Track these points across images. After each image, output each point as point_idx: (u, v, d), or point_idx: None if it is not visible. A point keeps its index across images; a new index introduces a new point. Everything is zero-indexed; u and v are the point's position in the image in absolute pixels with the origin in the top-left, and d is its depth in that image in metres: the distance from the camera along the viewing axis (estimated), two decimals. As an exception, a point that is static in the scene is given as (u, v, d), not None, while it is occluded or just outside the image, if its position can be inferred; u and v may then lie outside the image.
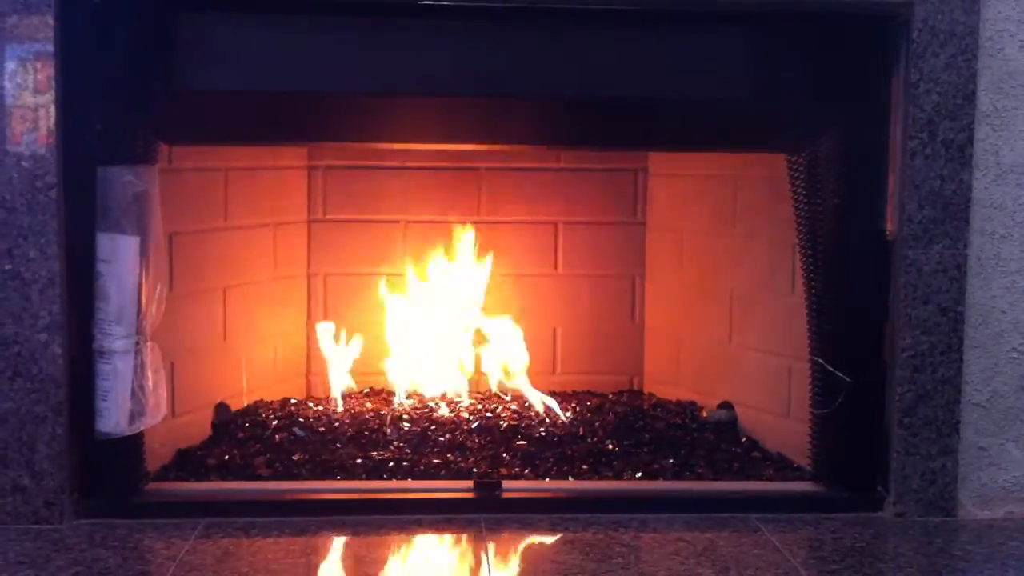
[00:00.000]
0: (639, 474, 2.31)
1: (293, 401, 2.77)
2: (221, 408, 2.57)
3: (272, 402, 2.73)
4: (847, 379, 2.18)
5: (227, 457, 2.36)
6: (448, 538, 2.09)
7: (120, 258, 2.10)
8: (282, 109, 2.19)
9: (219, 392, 2.58)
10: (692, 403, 2.75)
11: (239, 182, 2.60)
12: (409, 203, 2.85)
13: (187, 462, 2.35)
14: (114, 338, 2.10)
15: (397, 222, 2.87)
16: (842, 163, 2.20)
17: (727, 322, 2.64)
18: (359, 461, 2.32)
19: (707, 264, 2.72)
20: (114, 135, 2.07)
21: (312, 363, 2.87)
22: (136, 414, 2.12)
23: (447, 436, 2.45)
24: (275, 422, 2.55)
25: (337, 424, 2.53)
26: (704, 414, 2.66)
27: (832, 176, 2.21)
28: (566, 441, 2.45)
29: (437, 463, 2.32)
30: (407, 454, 2.36)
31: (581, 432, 2.50)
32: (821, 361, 2.20)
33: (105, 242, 2.09)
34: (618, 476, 2.30)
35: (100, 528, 2.06)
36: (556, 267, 2.92)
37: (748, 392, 2.58)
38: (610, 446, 2.43)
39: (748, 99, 2.21)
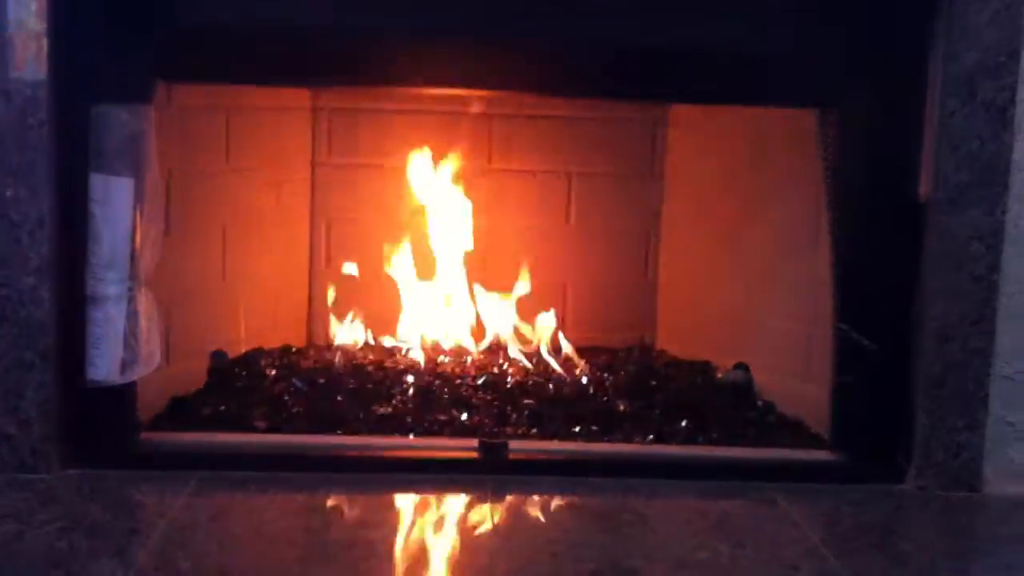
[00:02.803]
0: (651, 437, 2.22)
1: (293, 349, 2.68)
2: (218, 355, 2.47)
3: (271, 350, 2.64)
4: (872, 346, 2.09)
5: (223, 408, 2.27)
6: (452, 501, 2.00)
7: (114, 200, 1.99)
8: (289, 45, 2.07)
9: (216, 338, 2.49)
10: (706, 363, 2.65)
11: (241, 122, 2.48)
12: (416, 147, 2.72)
13: (181, 411, 2.26)
14: (106, 283, 2.00)
15: (402, 167, 2.76)
16: (874, 121, 2.09)
17: (745, 282, 2.54)
18: (360, 416, 2.24)
19: (726, 221, 2.61)
20: (109, 71, 1.96)
21: (314, 310, 2.78)
22: (128, 363, 2.03)
23: (452, 392, 2.36)
24: (273, 372, 2.46)
25: (338, 376, 2.44)
26: (719, 375, 2.56)
27: (863, 134, 2.10)
28: (576, 400, 2.36)
29: (442, 420, 2.24)
30: (410, 410, 2.27)
31: (591, 391, 2.41)
32: (845, 327, 2.11)
33: (98, 183, 1.98)
34: (629, 439, 2.21)
35: (89, 479, 1.98)
36: (568, 219, 2.82)
37: (765, 354, 2.49)
38: (621, 407, 2.34)
39: (776, 50, 2.09)
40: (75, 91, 1.95)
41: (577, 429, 2.23)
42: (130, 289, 2.02)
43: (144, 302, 2.05)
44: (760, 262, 2.51)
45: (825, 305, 2.20)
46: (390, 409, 2.27)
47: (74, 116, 1.96)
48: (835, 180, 2.15)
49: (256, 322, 2.61)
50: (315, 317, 2.78)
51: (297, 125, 2.73)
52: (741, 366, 2.53)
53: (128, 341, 2.03)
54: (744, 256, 2.54)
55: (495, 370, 2.52)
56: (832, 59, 2.10)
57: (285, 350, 2.66)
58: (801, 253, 2.35)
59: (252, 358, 2.55)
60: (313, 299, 2.78)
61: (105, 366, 2.01)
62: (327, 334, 2.72)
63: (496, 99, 2.69)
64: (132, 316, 2.03)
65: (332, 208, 2.78)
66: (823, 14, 2.07)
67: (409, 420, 2.23)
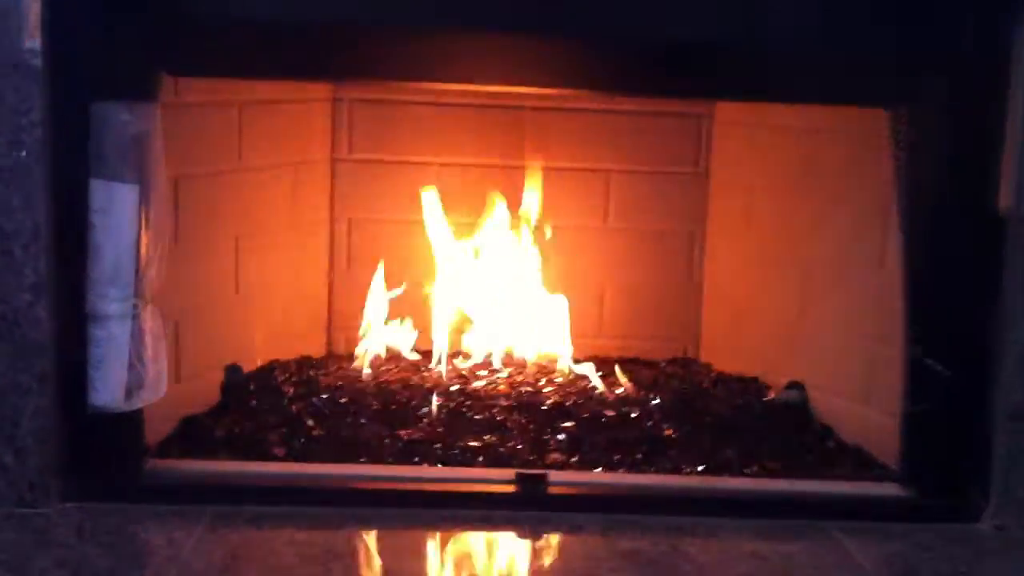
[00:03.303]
0: (701, 467, 2.05)
1: (312, 361, 2.51)
2: (232, 370, 2.29)
3: (289, 362, 2.47)
4: (946, 371, 1.91)
5: (237, 430, 2.10)
6: (486, 541, 1.83)
7: (116, 209, 1.81)
8: (309, 35, 1.87)
9: (229, 352, 2.31)
10: (755, 380, 2.47)
11: (255, 118, 2.29)
12: (444, 143, 2.55)
13: (192, 434, 2.09)
14: (109, 300, 1.82)
15: (430, 164, 2.58)
16: (950, 125, 1.90)
17: (801, 293, 2.35)
18: (386, 441, 2.06)
19: (780, 226, 2.42)
20: (110, 67, 1.77)
21: (333, 318, 2.61)
22: (134, 387, 1.85)
23: (484, 414, 2.18)
24: (291, 389, 2.29)
25: (361, 394, 2.27)
26: (772, 395, 2.38)
27: (938, 139, 1.91)
28: (617, 424, 2.18)
29: (474, 446, 2.06)
30: (439, 434, 2.10)
31: (634, 413, 2.23)
32: (917, 351, 1.92)
33: (99, 190, 1.80)
34: (677, 468, 2.04)
35: (91, 516, 1.80)
36: (606, 220, 2.63)
37: (822, 373, 2.30)
38: (667, 431, 2.16)
39: (845, 45, 1.89)
40: (72, 89, 1.77)
41: (619, 457, 2.05)
42: (135, 306, 1.84)
43: (150, 321, 1.87)
44: (819, 273, 2.32)
45: (891, 324, 2.01)
46: (417, 434, 2.10)
47: (72, 115, 1.77)
48: (907, 188, 1.95)
49: (272, 332, 2.44)
50: (335, 325, 2.61)
51: (315, 119, 2.55)
52: (795, 385, 2.35)
53: (133, 363, 1.85)
54: (801, 265, 2.35)
55: (530, 388, 2.34)
56: (906, 55, 1.91)
57: (303, 362, 2.49)
58: (866, 266, 2.16)
59: (268, 372, 2.38)
60: (333, 306, 2.60)
61: (108, 390, 1.83)
62: (348, 342, 2.54)
63: (530, 91, 2.49)
64: (137, 336, 1.85)
65: (354, 208, 2.60)
66: (898, 7, 1.87)
67: (438, 447, 2.05)
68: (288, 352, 2.50)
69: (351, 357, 2.49)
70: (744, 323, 2.53)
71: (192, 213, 2.11)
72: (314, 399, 2.22)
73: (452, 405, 2.21)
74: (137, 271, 1.83)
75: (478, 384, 2.32)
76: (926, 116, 1.91)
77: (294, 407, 2.19)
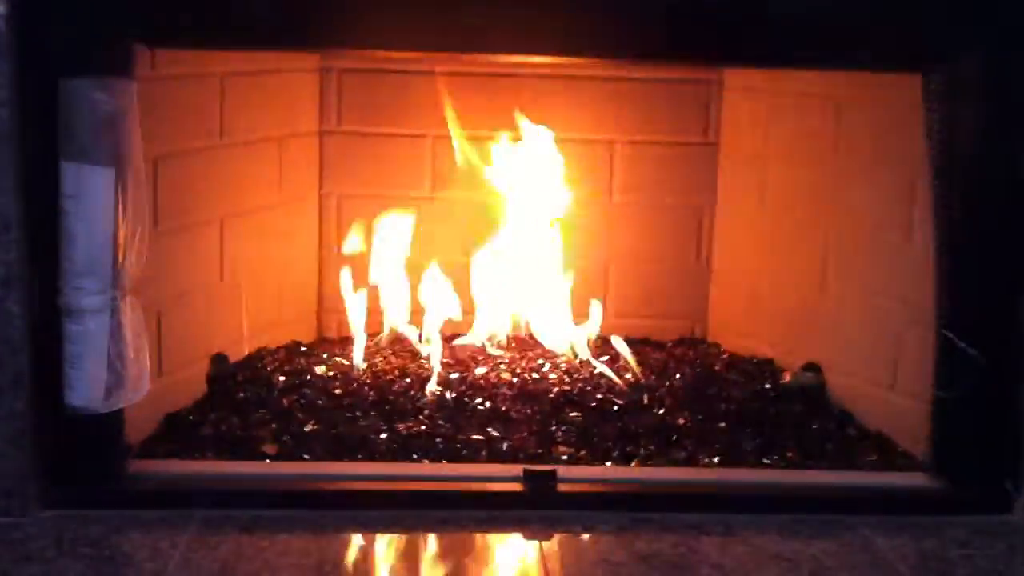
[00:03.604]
0: (717, 459, 1.93)
1: (303, 348, 2.38)
2: (218, 360, 2.17)
3: (278, 350, 2.35)
4: (979, 356, 1.79)
5: (225, 426, 1.97)
6: (493, 544, 1.72)
7: (90, 194, 1.67)
8: (290, 6, 1.73)
9: (215, 341, 2.19)
10: (770, 363, 2.35)
11: (237, 90, 2.15)
12: (439, 114, 2.40)
13: (178, 431, 1.97)
14: (84, 293, 1.68)
15: (424, 136, 2.44)
16: (988, 91, 1.76)
17: (820, 270, 2.23)
18: (383, 436, 1.94)
19: (797, 199, 2.29)
20: (81, 39, 1.64)
21: (324, 300, 2.48)
22: (113, 386, 1.72)
23: (486, 404, 2.07)
24: (282, 378, 2.16)
25: (356, 384, 2.14)
26: (787, 378, 2.26)
27: (973, 107, 1.77)
28: (628, 412, 2.06)
29: (477, 440, 1.94)
30: (440, 428, 1.98)
31: (645, 400, 2.11)
32: (949, 334, 1.80)
33: (71, 174, 1.65)
34: (693, 460, 1.93)
35: (72, 524, 1.68)
36: (610, 194, 2.50)
37: (841, 355, 2.18)
38: (680, 420, 2.05)
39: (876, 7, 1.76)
40: (39, 64, 1.62)
41: (631, 449, 1.94)
42: (113, 299, 1.70)
43: (130, 314, 1.74)
44: (840, 249, 2.19)
45: (919, 304, 1.90)
46: (416, 427, 1.97)
47: (40, 94, 1.63)
48: (939, 159, 1.81)
49: (260, 317, 2.31)
50: (325, 308, 2.48)
51: (302, 90, 2.41)
52: (812, 367, 2.23)
53: (112, 361, 1.72)
54: (820, 241, 2.23)
55: (534, 374, 2.22)
56: (940, 16, 1.77)
57: (293, 349, 2.36)
58: (892, 241, 2.04)
59: (256, 361, 2.25)
60: (324, 288, 2.47)
61: (86, 390, 1.70)
62: (339, 328, 2.42)
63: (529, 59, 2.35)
64: (116, 331, 1.71)
65: (343, 184, 2.47)
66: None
67: (439, 442, 1.93)
68: (277, 338, 2.38)
69: (343, 342, 2.36)
70: (757, 302, 2.41)
71: (172, 194, 1.98)
72: (306, 391, 2.10)
73: (452, 395, 2.09)
74: (114, 261, 1.70)
75: (480, 371, 2.20)
76: (962, 82, 1.78)
77: (284, 400, 2.07)
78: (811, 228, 2.25)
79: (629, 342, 2.40)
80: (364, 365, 2.23)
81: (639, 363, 2.27)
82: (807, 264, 2.26)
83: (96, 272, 1.69)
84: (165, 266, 1.93)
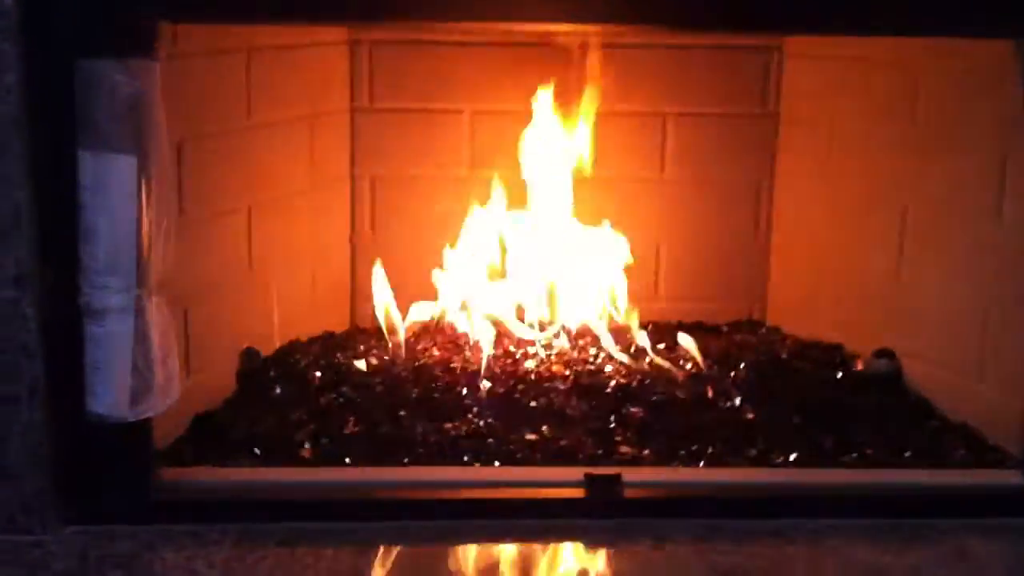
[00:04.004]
0: (793, 456, 1.79)
1: (336, 339, 2.24)
2: (248, 356, 2.02)
3: (311, 342, 2.20)
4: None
5: (259, 428, 1.83)
6: (553, 557, 1.58)
7: (111, 185, 1.52)
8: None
9: (245, 335, 2.04)
10: (838, 348, 2.20)
11: (264, 66, 2.00)
12: (478, 87, 2.26)
13: (207, 434, 1.83)
14: (107, 292, 1.54)
15: (460, 112, 2.29)
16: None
17: (895, 249, 2.06)
18: (430, 438, 1.79)
19: (869, 173, 2.12)
20: (99, 16, 1.48)
21: (358, 287, 2.33)
22: (140, 393, 1.57)
23: (539, 399, 1.92)
24: (318, 374, 2.02)
25: (398, 380, 1.99)
26: (860, 365, 2.11)
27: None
28: (691, 407, 1.92)
29: (531, 440, 1.80)
30: (490, 427, 1.83)
31: (710, 394, 1.97)
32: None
33: (89, 164, 1.51)
34: (765, 458, 1.78)
35: (96, 543, 1.55)
36: (663, 169, 2.34)
37: (920, 341, 2.02)
38: (749, 414, 1.90)
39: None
40: (54, 44, 1.48)
41: (697, 448, 1.79)
42: (138, 298, 1.55)
43: (157, 314, 1.59)
44: (919, 225, 2.03)
45: (1010, 284, 1.76)
46: (465, 427, 1.83)
47: (55, 76, 1.48)
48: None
49: (291, 308, 2.16)
50: (358, 296, 2.33)
51: (332, 64, 2.26)
52: (885, 353, 2.08)
53: (138, 365, 1.58)
54: (895, 217, 2.06)
55: (588, 366, 2.06)
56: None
57: (327, 341, 2.22)
58: (978, 217, 1.88)
59: (289, 356, 2.11)
60: (357, 275, 2.32)
61: (110, 396, 1.56)
62: (374, 317, 2.27)
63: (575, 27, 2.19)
64: (142, 333, 1.57)
65: (377, 164, 2.31)
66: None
67: (491, 442, 1.79)
68: (309, 329, 2.23)
69: (379, 332, 2.21)
70: (822, 283, 2.25)
71: (197, 179, 1.83)
72: (344, 388, 1.95)
73: (502, 390, 1.94)
74: (139, 256, 1.55)
75: (530, 364, 2.05)
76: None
77: (322, 398, 1.92)
78: (884, 203, 2.08)
79: (682, 327, 2.26)
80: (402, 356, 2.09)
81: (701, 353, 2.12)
82: (880, 242, 2.10)
83: (119, 270, 1.54)
84: (190, 257, 1.78)
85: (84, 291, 1.54)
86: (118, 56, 1.50)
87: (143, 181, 1.54)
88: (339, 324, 2.32)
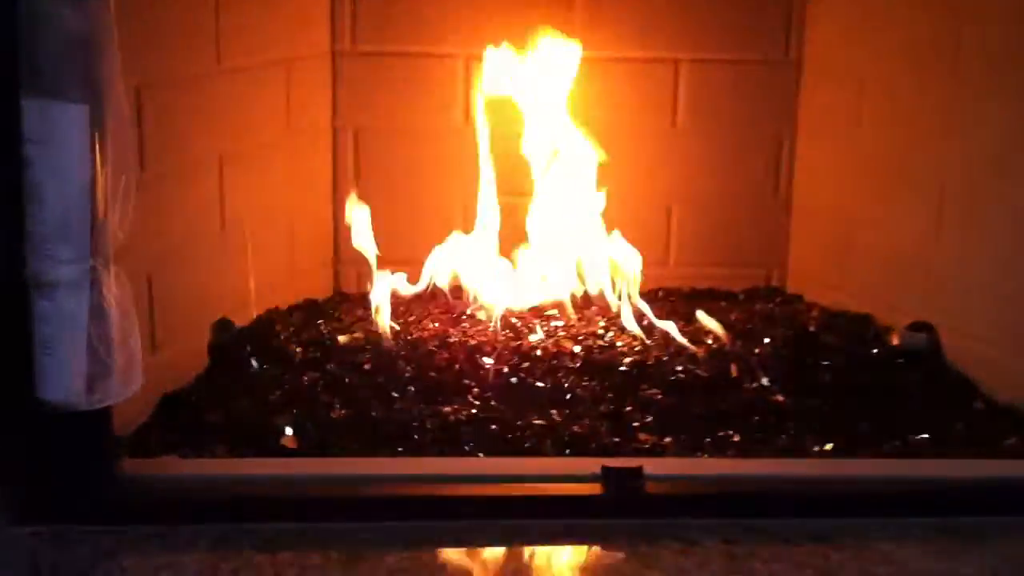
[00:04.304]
0: (830, 445, 1.61)
1: (319, 308, 2.05)
2: (221, 328, 1.82)
3: (291, 311, 2.01)
4: None
5: (234, 412, 1.63)
6: (568, 563, 1.40)
7: (60, 138, 1.30)
8: None
9: (217, 304, 1.84)
10: (866, 319, 2.02)
11: (235, 4, 1.78)
12: (474, 29, 2.04)
13: (177, 417, 1.63)
14: (57, 263, 1.33)
15: (456, 56, 2.08)
16: None
17: (935, 211, 1.88)
18: (426, 424, 1.61)
19: (903, 127, 1.94)
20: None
21: (341, 249, 2.13)
22: (97, 378, 1.36)
23: (547, 379, 1.74)
24: (299, 349, 1.82)
25: (389, 356, 1.79)
26: (896, 339, 1.93)
27: None
28: (714, 388, 1.74)
29: (539, 425, 1.61)
30: (493, 410, 1.65)
31: (734, 372, 1.79)
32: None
33: (34, 113, 1.29)
34: (799, 446, 1.60)
35: (50, 547, 1.35)
36: (674, 121, 2.14)
37: (961, 314, 1.85)
38: (778, 395, 1.72)
39: None
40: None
41: (723, 434, 1.61)
42: (93, 270, 1.35)
43: (115, 288, 1.38)
44: (961, 185, 1.85)
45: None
46: (465, 410, 1.64)
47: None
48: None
49: (268, 272, 1.96)
50: (343, 258, 2.13)
51: (311, 2, 2.03)
52: (921, 326, 1.90)
53: (94, 345, 1.37)
54: (932, 176, 1.89)
55: (598, 341, 1.88)
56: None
57: (309, 310, 2.03)
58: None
59: (267, 327, 1.91)
60: (340, 234, 2.11)
61: (63, 382, 1.35)
62: (359, 280, 2.08)
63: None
64: (98, 308, 1.36)
65: (360, 113, 2.11)
66: None
67: (494, 428, 1.60)
68: (288, 296, 2.04)
69: (364, 299, 2.02)
70: (849, 247, 2.08)
71: (160, 131, 1.62)
72: (329, 366, 1.75)
73: (505, 369, 1.75)
74: (93, 221, 1.34)
75: (534, 338, 1.86)
76: None
77: (305, 377, 1.73)
78: (922, 160, 1.91)
79: (694, 294, 2.08)
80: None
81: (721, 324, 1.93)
82: (916, 203, 1.92)
83: (71, 236, 1.33)
84: (154, 218, 1.58)
85: (30, 261, 1.33)
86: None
87: (96, 133, 1.33)
88: (321, 290, 2.13)
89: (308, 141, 2.06)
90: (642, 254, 2.03)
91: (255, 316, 1.93)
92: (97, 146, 1.32)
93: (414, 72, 2.08)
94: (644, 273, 2.01)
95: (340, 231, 2.11)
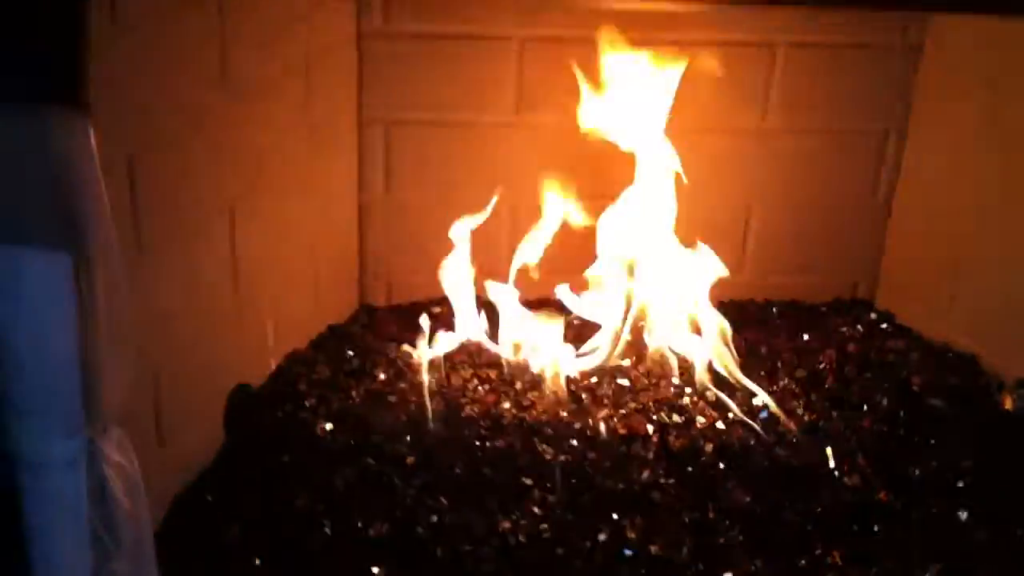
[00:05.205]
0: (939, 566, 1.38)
1: (347, 344, 1.77)
2: (240, 393, 1.56)
3: (315, 351, 1.74)
4: None
5: (255, 521, 1.39)
6: None
7: (34, 292, 1.02)
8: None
9: (232, 368, 1.56)
10: (972, 361, 1.77)
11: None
12: (527, 7, 1.69)
13: (193, 524, 1.39)
14: (44, 438, 1.07)
15: (508, 39, 1.73)
16: None
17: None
18: (483, 546, 1.37)
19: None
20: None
21: (367, 258, 1.85)
22: (101, 564, 1.14)
23: (618, 475, 1.49)
24: (328, 427, 1.55)
25: (433, 438, 1.55)
26: (1008, 403, 1.66)
27: None
28: (802, 477, 1.50)
29: (604, 543, 1.38)
30: (558, 521, 1.40)
31: (831, 463, 1.54)
32: None
33: (-1, 263, 1.02)
34: (906, 565, 1.39)
35: None
36: (764, 116, 1.82)
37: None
38: (882, 493, 1.50)
39: None
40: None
41: (819, 552, 1.38)
42: (91, 441, 1.10)
43: (117, 453, 1.13)
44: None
45: None
46: (525, 523, 1.40)
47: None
48: None
49: (288, 310, 1.68)
50: (367, 268, 1.85)
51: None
52: (1032, 383, 1.66)
53: (96, 528, 1.14)
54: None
55: (674, 415, 1.62)
56: None
57: (333, 352, 1.75)
58: None
59: (288, 382, 1.65)
60: (366, 243, 1.83)
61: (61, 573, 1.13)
62: (388, 293, 1.81)
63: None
64: (99, 487, 1.12)
65: (390, 105, 1.77)
66: None
67: (559, 551, 1.37)
68: (310, 317, 1.77)
69: (394, 317, 1.75)
70: (952, 265, 1.80)
71: (158, 196, 1.30)
72: (368, 460, 1.49)
73: (568, 459, 1.51)
74: (87, 388, 1.08)
75: (601, 414, 1.61)
76: None
77: (338, 477, 1.46)
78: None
79: (774, 304, 1.82)
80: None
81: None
82: None
83: (57, 406, 1.07)
84: (153, 296, 1.30)
85: (12, 435, 1.07)
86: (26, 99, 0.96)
87: (83, 281, 1.05)
88: (346, 303, 1.86)
89: (330, 142, 1.73)
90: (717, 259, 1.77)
91: (274, 368, 1.67)
92: (85, 296, 1.05)
93: (455, 56, 1.75)
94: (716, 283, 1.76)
95: (367, 240, 1.83)
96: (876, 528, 1.44)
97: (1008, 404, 1.66)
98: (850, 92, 1.82)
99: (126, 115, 1.18)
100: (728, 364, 1.68)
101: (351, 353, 1.75)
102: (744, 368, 1.68)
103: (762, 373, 1.72)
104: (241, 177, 1.48)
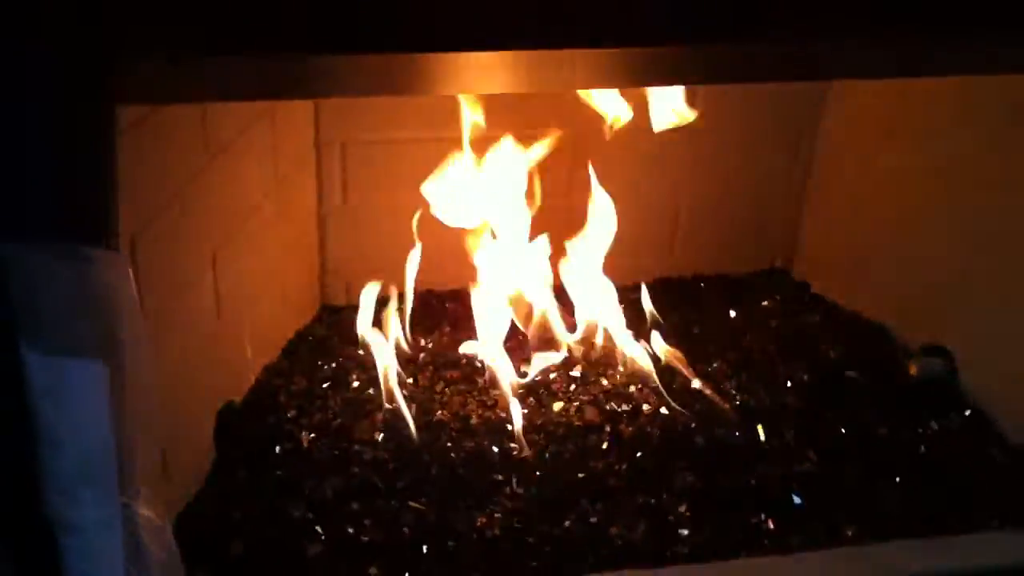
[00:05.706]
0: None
1: (319, 349, 1.90)
2: (226, 412, 1.69)
3: (290, 361, 1.86)
4: None
5: (255, 531, 1.53)
6: None
7: (75, 395, 1.15)
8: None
9: (217, 388, 1.69)
10: (881, 331, 1.96)
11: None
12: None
13: (197, 545, 1.50)
14: (81, 505, 1.20)
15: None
16: None
17: (970, 229, 1.75)
18: (463, 539, 1.53)
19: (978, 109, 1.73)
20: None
21: (328, 260, 1.97)
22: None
23: (577, 457, 1.66)
24: (311, 435, 1.68)
25: (407, 442, 1.69)
26: (913, 370, 1.86)
27: None
28: (742, 454, 1.70)
29: (572, 531, 1.55)
30: (527, 511, 1.57)
31: (761, 435, 1.73)
32: None
33: (38, 368, 1.12)
34: (835, 534, 1.57)
35: None
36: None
37: (982, 339, 1.77)
38: (806, 464, 1.68)
39: None
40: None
41: (756, 522, 1.59)
42: (125, 506, 1.23)
43: (146, 509, 1.27)
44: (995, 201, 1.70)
45: None
46: (499, 520, 1.56)
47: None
48: None
49: (260, 324, 1.80)
50: (328, 269, 1.96)
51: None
52: (936, 351, 1.84)
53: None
54: (967, 189, 1.74)
55: (624, 402, 1.79)
56: None
57: (306, 360, 1.87)
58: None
59: (268, 395, 1.78)
60: (327, 249, 1.94)
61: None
62: (348, 293, 1.93)
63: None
64: (134, 546, 1.26)
65: (348, 124, 1.87)
66: None
67: (531, 540, 1.53)
68: (278, 324, 1.89)
69: (352, 309, 1.87)
70: (868, 238, 1.95)
71: (155, 265, 1.41)
72: (354, 469, 1.63)
73: (526, 453, 1.67)
74: (121, 463, 1.21)
75: (557, 406, 1.77)
76: None
77: (327, 487, 1.60)
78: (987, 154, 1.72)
79: (701, 279, 1.99)
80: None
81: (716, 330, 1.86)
82: (966, 204, 1.77)
83: (94, 479, 1.20)
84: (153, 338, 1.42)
85: (49, 500, 1.20)
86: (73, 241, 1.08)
87: (117, 388, 1.17)
88: (308, 304, 1.99)
89: (293, 164, 1.83)
90: (646, 240, 1.92)
91: (253, 381, 1.79)
92: (117, 398, 1.17)
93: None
94: (646, 262, 1.92)
95: (327, 243, 1.94)
96: (803, 495, 1.66)
97: (913, 371, 1.86)
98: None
99: (127, 203, 1.27)
100: (668, 352, 1.85)
101: (321, 363, 1.87)
102: (680, 349, 1.86)
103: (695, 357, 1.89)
104: (222, 228, 1.59)
